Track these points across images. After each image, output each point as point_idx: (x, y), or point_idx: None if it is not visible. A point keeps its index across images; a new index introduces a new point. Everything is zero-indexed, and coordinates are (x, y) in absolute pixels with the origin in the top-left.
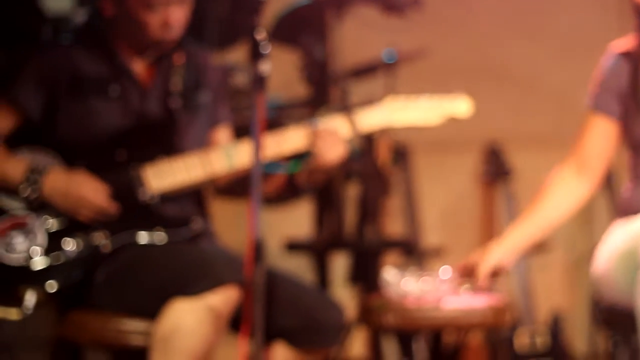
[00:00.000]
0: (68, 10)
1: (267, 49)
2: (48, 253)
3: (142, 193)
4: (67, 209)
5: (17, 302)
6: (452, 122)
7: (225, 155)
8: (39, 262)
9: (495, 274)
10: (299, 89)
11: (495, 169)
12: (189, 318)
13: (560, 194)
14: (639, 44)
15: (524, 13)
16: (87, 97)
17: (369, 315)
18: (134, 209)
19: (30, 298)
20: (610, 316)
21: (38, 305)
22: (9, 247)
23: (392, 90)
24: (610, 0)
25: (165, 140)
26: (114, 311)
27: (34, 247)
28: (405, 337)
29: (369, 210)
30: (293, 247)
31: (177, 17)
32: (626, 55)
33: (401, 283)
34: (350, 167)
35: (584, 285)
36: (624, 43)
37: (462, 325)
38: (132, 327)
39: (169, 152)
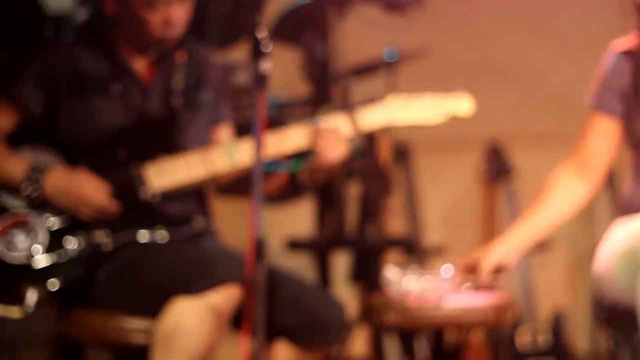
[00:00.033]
0: (69, 8)
1: (268, 47)
2: (49, 251)
3: (144, 191)
4: (68, 208)
5: (19, 300)
6: (453, 121)
7: (227, 153)
8: (41, 260)
9: (498, 270)
10: (300, 88)
11: (497, 168)
12: (190, 317)
13: (562, 193)
14: None
15: (526, 11)
16: (88, 96)
17: (370, 314)
18: (136, 208)
19: (31, 296)
20: (611, 315)
21: (39, 303)
22: (11, 245)
23: (393, 88)
24: None
25: (166, 138)
26: (115, 309)
27: (35, 245)
28: (406, 336)
29: (370, 209)
30: (294, 245)
31: (179, 15)
32: (628, 54)
33: (402, 281)
34: (352, 166)
35: (586, 283)
36: (625, 42)
37: (463, 324)
38: (133, 326)
39: (171, 151)
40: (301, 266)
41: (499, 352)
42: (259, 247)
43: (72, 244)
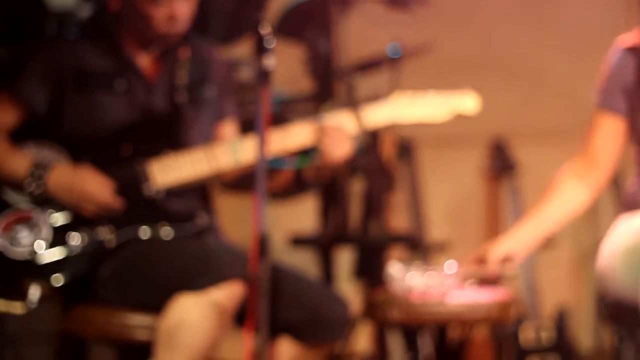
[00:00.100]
0: (72, 5)
1: (271, 43)
2: (53, 247)
3: (148, 188)
4: (71, 204)
5: (22, 296)
6: (457, 117)
7: (231, 150)
8: (44, 256)
9: (506, 260)
10: (303, 84)
11: (501, 164)
12: (193, 313)
13: (570, 190)
14: None
15: (530, 7)
16: (92, 92)
17: (373, 310)
18: (139, 204)
19: (34, 292)
20: (615, 311)
21: (42, 299)
22: (14, 241)
23: (396, 85)
24: None
25: (170, 134)
26: (118, 306)
27: (38, 241)
28: (410, 332)
29: (374, 205)
30: (298, 241)
31: (183, 10)
32: (632, 50)
33: (406, 278)
34: (355, 162)
35: (590, 280)
36: (630, 37)
37: (467, 320)
38: (136, 322)
39: (175, 147)
40: (304, 262)
41: (502, 348)
42: (263, 244)
43: (75, 240)
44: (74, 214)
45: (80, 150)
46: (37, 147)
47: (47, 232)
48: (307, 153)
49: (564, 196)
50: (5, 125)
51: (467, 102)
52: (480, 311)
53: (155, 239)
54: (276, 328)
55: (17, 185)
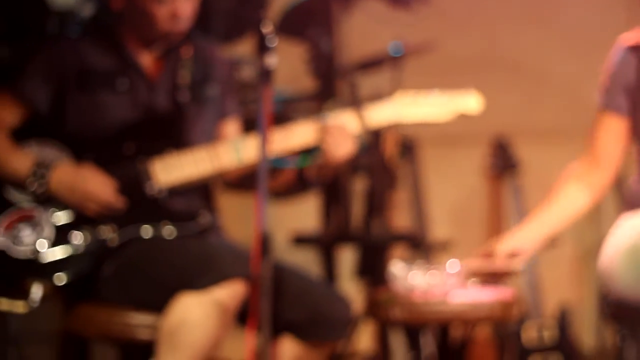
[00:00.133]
0: (74, 4)
1: (273, 42)
2: (55, 246)
3: (150, 187)
4: (74, 204)
5: (24, 295)
6: (459, 116)
7: (234, 149)
8: (46, 255)
9: (513, 255)
10: (305, 83)
11: (503, 162)
12: (195, 312)
13: (575, 190)
14: None
15: (532, 6)
16: (94, 91)
17: (376, 309)
18: (142, 203)
19: (36, 291)
20: (617, 310)
21: (45, 298)
22: (16, 240)
23: (398, 84)
24: None
25: (173, 133)
26: (120, 305)
27: (41, 239)
28: (412, 331)
29: (376, 204)
30: (300, 240)
31: (185, 8)
32: (635, 48)
33: (408, 277)
34: (358, 161)
35: (592, 279)
36: (632, 36)
37: (469, 319)
38: (138, 321)
39: (177, 146)
40: (307, 261)
41: (504, 347)
42: (265, 243)
43: (78, 239)
44: (77, 213)
45: (83, 149)
46: (39, 146)
47: (49, 231)
48: (309, 152)
49: (566, 199)
50: (7, 124)
51: (470, 102)
52: (483, 310)
53: (157, 238)
54: (278, 327)
55: (20, 184)
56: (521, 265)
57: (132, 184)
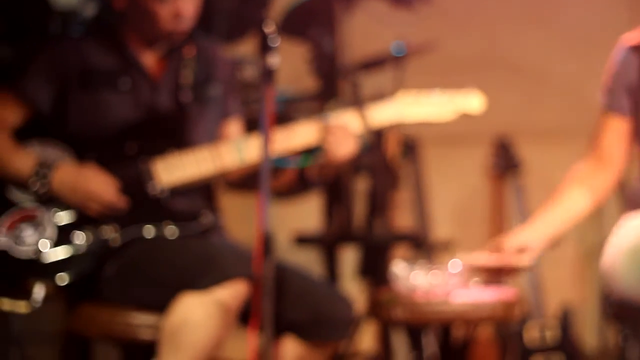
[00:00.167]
0: (77, 3)
1: (276, 42)
2: (57, 246)
3: (152, 187)
4: (76, 204)
5: (26, 295)
6: (461, 116)
7: (236, 149)
8: (48, 255)
9: (521, 251)
10: (308, 82)
11: (505, 162)
12: (197, 312)
13: (577, 194)
14: None
15: (534, 5)
16: (97, 90)
17: (378, 309)
18: (144, 203)
19: (39, 291)
20: (620, 310)
21: (47, 298)
22: (19, 240)
23: (401, 83)
24: None
25: (175, 133)
26: (123, 305)
27: (43, 240)
28: (414, 331)
29: (378, 204)
30: (302, 240)
31: (188, 8)
32: (637, 48)
33: (410, 277)
34: (360, 161)
35: (594, 278)
36: (634, 36)
37: (471, 319)
38: (141, 321)
39: (179, 146)
40: (309, 261)
41: (507, 347)
42: (267, 243)
43: (80, 239)
44: (79, 213)
45: (85, 149)
46: (41, 146)
47: (51, 231)
48: (310, 152)
49: (569, 202)
50: (9, 123)
51: (472, 102)
52: (485, 310)
53: (159, 238)
54: (280, 327)
55: (22, 184)
56: (530, 261)
57: (134, 184)
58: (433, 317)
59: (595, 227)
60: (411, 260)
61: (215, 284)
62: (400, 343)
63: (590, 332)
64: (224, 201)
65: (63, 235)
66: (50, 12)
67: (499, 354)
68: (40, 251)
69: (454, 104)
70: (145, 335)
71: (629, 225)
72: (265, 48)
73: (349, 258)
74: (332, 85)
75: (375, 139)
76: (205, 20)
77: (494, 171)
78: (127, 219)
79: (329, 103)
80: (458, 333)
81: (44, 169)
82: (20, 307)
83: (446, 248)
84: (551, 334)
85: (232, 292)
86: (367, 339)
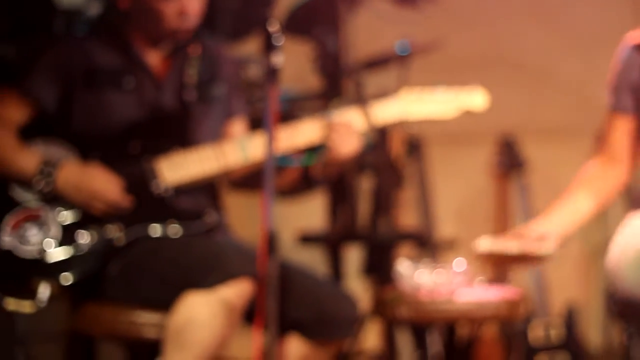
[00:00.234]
0: (81, 2)
1: (280, 41)
2: (62, 245)
3: (156, 186)
4: (80, 203)
5: (31, 294)
6: (465, 114)
7: (240, 147)
8: (53, 255)
9: (542, 239)
10: (312, 81)
11: (509, 161)
12: (202, 311)
13: (583, 198)
14: None
15: (538, 5)
16: (101, 89)
17: (382, 308)
18: (148, 202)
19: (43, 291)
20: (624, 309)
21: (51, 298)
22: (23, 240)
23: (405, 82)
24: None
25: (179, 132)
26: (127, 304)
27: (47, 239)
28: (419, 330)
29: (383, 203)
30: (307, 239)
31: (193, 6)
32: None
33: (415, 275)
34: (364, 159)
35: (599, 277)
36: (639, 35)
37: (475, 318)
38: (145, 320)
39: (184, 145)
40: (313, 260)
41: (511, 346)
42: (271, 241)
43: (84, 238)
44: (83, 212)
45: (89, 148)
46: (45, 145)
47: (56, 231)
48: (314, 150)
49: (575, 205)
50: (14, 122)
51: (476, 99)
52: (489, 309)
53: (164, 236)
54: (285, 326)
55: (26, 183)
56: (550, 250)
57: (139, 183)
58: (437, 315)
59: (600, 226)
60: (416, 259)
61: (219, 283)
62: (404, 342)
63: (595, 330)
64: (228, 200)
65: (67, 235)
66: (55, 11)
67: (503, 352)
68: (45, 251)
69: (458, 101)
70: (149, 334)
71: (634, 224)
72: (269, 47)
73: (354, 257)
74: (337, 85)
75: (380, 137)
76: (210, 20)
77: (499, 170)
78: (132, 218)
79: (333, 102)
80: (462, 332)
81: (48, 167)
82: (24, 306)
83: (451, 247)
84: (556, 333)
85: (236, 291)
86: (371, 337)
